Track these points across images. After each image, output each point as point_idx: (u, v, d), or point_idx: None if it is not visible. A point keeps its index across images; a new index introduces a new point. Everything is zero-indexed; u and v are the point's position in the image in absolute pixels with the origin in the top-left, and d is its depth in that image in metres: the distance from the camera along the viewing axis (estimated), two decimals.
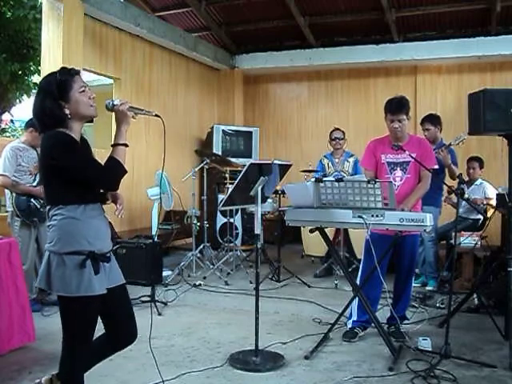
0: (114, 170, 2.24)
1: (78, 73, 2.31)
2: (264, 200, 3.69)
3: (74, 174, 2.18)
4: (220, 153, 7.79)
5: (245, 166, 3.43)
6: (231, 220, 6.82)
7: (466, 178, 5.83)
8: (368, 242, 3.56)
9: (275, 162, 3.54)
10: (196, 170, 6.28)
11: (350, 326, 3.97)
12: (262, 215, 3.74)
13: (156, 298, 4.70)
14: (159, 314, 4.50)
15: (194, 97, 8.88)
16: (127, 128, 2.32)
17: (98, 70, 6.88)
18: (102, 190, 2.35)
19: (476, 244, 5.11)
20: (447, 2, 7.50)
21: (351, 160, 6.22)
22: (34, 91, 11.30)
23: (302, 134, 9.50)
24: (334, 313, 4.28)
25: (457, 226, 3.62)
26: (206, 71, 9.19)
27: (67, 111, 2.22)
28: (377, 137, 4.08)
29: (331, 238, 4.90)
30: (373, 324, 3.75)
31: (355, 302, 3.85)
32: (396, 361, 3.39)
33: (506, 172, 3.81)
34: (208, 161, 6.18)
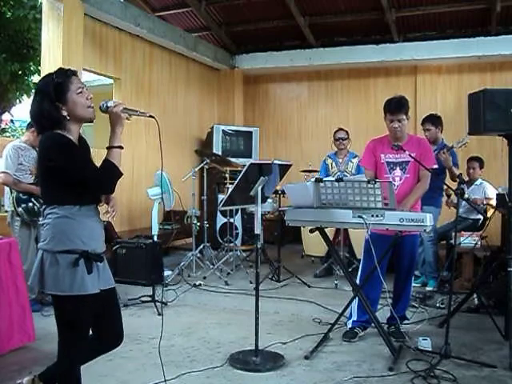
0: (110, 173, 2.24)
1: (75, 73, 2.30)
2: (264, 200, 3.69)
3: (71, 175, 2.18)
4: (220, 153, 7.80)
5: (245, 166, 3.43)
6: (231, 220, 6.82)
7: (466, 178, 5.83)
8: (368, 241, 3.56)
9: (275, 161, 3.54)
10: (196, 170, 6.29)
11: (350, 326, 3.97)
12: (262, 215, 3.74)
13: (156, 298, 4.71)
14: (159, 314, 4.51)
15: (194, 97, 8.89)
16: (122, 130, 2.31)
17: (98, 70, 6.89)
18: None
19: (476, 244, 5.12)
20: (447, 2, 7.50)
21: (355, 161, 6.18)
22: (33, 91, 11.29)
23: (301, 134, 9.50)
24: (333, 313, 4.29)
25: (457, 226, 3.63)
26: (206, 71, 9.20)
27: (65, 113, 2.23)
28: (376, 137, 4.08)
29: (331, 238, 4.90)
30: (373, 324, 3.75)
31: (355, 301, 3.85)
32: (396, 361, 3.39)
33: (506, 172, 3.81)
34: (208, 161, 6.18)
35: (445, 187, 4.96)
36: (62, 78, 2.25)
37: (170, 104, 8.19)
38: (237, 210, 7.19)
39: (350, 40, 8.68)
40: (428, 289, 5.39)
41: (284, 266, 6.03)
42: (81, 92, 2.26)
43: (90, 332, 2.35)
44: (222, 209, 6.73)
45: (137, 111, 2.39)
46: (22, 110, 13.63)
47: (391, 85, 8.66)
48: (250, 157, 8.48)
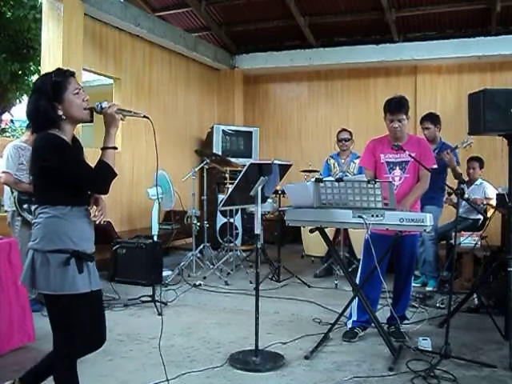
0: (105, 173, 2.25)
1: (73, 74, 2.31)
2: (264, 200, 3.69)
3: (65, 176, 2.19)
4: (220, 153, 7.79)
5: (245, 166, 3.44)
6: (231, 220, 6.82)
7: (466, 178, 5.84)
8: (368, 241, 3.56)
9: (275, 162, 3.54)
10: (196, 170, 6.28)
11: (349, 326, 3.97)
12: (262, 215, 3.74)
13: (156, 298, 4.71)
14: (159, 314, 4.50)
15: (194, 97, 8.88)
16: (116, 130, 2.32)
17: (97, 70, 6.88)
18: (89, 193, 2.36)
19: (476, 244, 5.11)
20: (447, 2, 7.49)
21: (357, 162, 6.04)
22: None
23: (302, 133, 9.50)
24: (334, 313, 4.29)
25: (457, 226, 3.63)
26: (206, 71, 9.19)
27: (60, 112, 2.23)
28: (376, 137, 4.08)
29: (331, 238, 4.90)
30: (373, 324, 3.75)
31: (355, 301, 3.85)
32: (396, 361, 3.39)
33: (506, 172, 3.81)
34: (208, 161, 6.18)
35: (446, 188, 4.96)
36: (61, 78, 2.26)
37: (169, 104, 8.18)
38: (237, 210, 7.19)
39: (349, 40, 8.68)
40: (428, 289, 5.39)
41: (284, 266, 6.03)
42: (78, 93, 2.27)
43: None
44: (222, 209, 6.73)
45: (131, 112, 2.39)
46: (22, 110, 13.64)
47: (391, 85, 8.65)
48: (250, 157, 8.47)
